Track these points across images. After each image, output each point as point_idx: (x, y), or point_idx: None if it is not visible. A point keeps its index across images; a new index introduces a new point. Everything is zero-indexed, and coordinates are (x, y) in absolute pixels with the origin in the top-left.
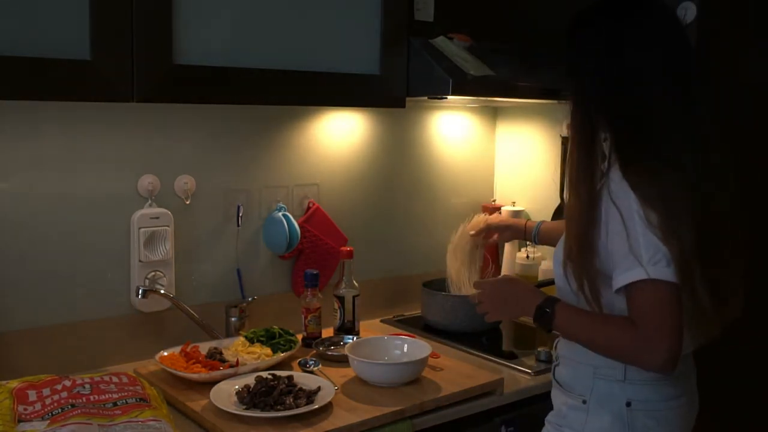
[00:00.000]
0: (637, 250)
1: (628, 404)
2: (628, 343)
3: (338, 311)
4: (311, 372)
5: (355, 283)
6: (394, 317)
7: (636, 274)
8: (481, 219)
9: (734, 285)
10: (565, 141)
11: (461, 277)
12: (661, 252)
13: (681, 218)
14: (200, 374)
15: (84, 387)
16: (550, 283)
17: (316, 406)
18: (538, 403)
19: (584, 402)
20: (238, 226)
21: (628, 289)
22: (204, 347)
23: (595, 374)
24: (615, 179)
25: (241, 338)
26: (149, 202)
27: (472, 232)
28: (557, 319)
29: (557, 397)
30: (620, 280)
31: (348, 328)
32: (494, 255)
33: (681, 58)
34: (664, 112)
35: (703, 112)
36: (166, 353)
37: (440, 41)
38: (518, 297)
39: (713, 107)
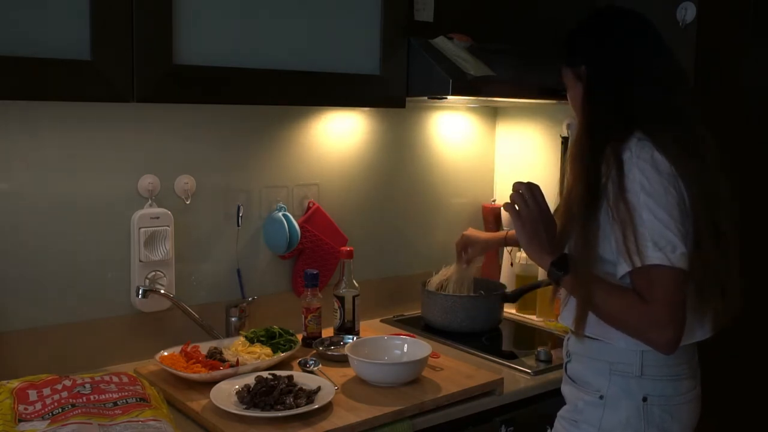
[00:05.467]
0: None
1: (645, 399)
2: (635, 321)
3: (338, 311)
4: (311, 372)
5: (355, 283)
6: (394, 317)
7: (654, 258)
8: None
9: (734, 276)
10: (565, 141)
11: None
12: (674, 239)
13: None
14: (200, 374)
15: (84, 387)
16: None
17: (316, 406)
18: (538, 403)
19: (601, 397)
20: (238, 226)
21: (648, 268)
22: (204, 347)
23: (612, 370)
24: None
25: (241, 338)
26: (149, 202)
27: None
28: (567, 280)
29: (571, 393)
30: (637, 260)
31: (348, 328)
32: (494, 256)
33: (675, 65)
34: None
35: (695, 114)
36: (166, 353)
37: (440, 41)
38: (542, 236)
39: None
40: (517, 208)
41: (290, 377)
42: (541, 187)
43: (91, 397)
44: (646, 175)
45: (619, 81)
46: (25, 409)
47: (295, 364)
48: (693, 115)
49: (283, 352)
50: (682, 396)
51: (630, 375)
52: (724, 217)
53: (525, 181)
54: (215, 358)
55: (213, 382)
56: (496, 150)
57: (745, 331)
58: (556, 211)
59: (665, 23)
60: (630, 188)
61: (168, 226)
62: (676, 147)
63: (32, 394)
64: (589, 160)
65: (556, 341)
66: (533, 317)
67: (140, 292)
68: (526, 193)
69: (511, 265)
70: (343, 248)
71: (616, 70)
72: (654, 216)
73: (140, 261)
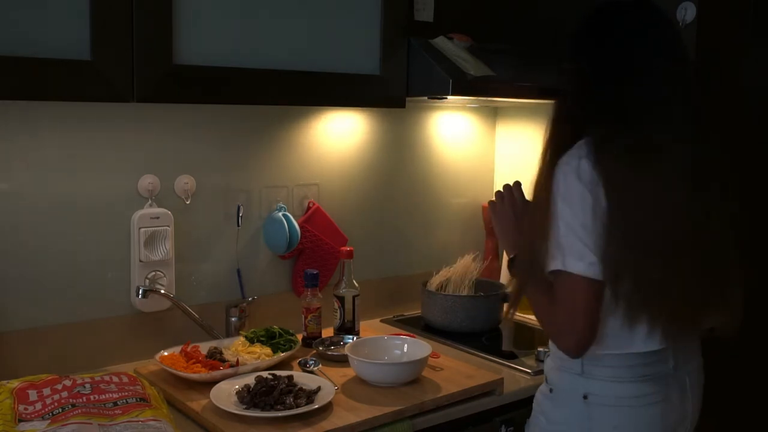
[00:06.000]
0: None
1: (585, 397)
2: (547, 322)
3: (338, 311)
4: (311, 372)
5: (355, 283)
6: (394, 317)
7: (557, 264)
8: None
9: (721, 290)
10: None
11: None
12: (582, 248)
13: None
14: (200, 374)
15: (84, 387)
16: None
17: (316, 406)
18: None
19: (551, 391)
20: (238, 226)
21: (554, 273)
22: (204, 347)
23: (560, 367)
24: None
25: (241, 338)
26: (149, 202)
27: None
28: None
29: (542, 384)
30: (548, 263)
31: (348, 328)
32: (494, 256)
33: (676, 57)
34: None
35: (697, 111)
36: (166, 353)
37: (440, 41)
38: (513, 232)
39: (707, 106)
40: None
41: (290, 377)
42: None
43: (91, 397)
44: (566, 181)
45: (592, 80)
46: (25, 409)
47: (295, 364)
48: (671, 116)
49: (283, 352)
50: (631, 399)
51: (573, 372)
52: (681, 229)
53: (525, 181)
54: (215, 358)
55: (213, 382)
56: (496, 150)
57: (745, 331)
58: None
59: None
60: (553, 192)
61: (168, 226)
62: (618, 153)
63: (32, 394)
64: (544, 159)
65: None
66: (533, 317)
67: (140, 292)
68: (505, 191)
69: None
70: (343, 248)
71: (594, 69)
72: (565, 223)
73: (140, 261)
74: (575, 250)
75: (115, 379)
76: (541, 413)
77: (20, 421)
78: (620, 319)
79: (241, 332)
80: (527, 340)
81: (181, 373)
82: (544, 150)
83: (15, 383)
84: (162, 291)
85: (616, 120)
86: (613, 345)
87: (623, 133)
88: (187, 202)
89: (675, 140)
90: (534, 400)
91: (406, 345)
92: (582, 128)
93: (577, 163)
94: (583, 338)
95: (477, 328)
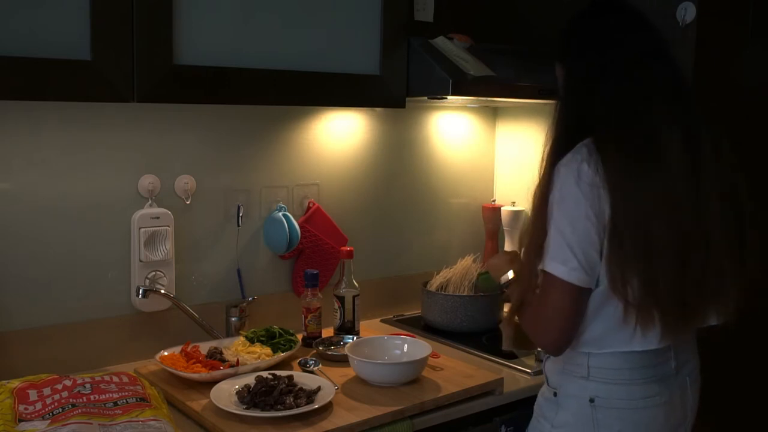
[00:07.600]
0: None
1: (592, 401)
2: (531, 321)
3: (338, 311)
4: (311, 372)
5: (355, 283)
6: (394, 317)
7: (543, 264)
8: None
9: (724, 283)
10: None
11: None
12: (568, 253)
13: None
14: (201, 374)
15: (84, 387)
16: None
17: (316, 406)
18: None
19: (555, 395)
20: (238, 226)
21: (544, 273)
22: (204, 347)
23: (564, 370)
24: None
25: (242, 338)
26: (149, 202)
27: None
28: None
29: (542, 388)
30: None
31: (348, 328)
32: (494, 252)
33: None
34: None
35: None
36: (166, 353)
37: (440, 41)
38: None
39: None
40: None
41: (290, 377)
42: None
43: (92, 397)
44: (565, 185)
45: (587, 81)
46: (26, 408)
47: (295, 364)
48: (671, 115)
49: (283, 352)
50: (636, 401)
51: (578, 375)
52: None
53: (524, 182)
54: (215, 358)
55: (213, 382)
56: (496, 150)
57: (744, 330)
58: None
59: (665, 23)
60: (552, 196)
61: (168, 226)
62: (620, 155)
63: (32, 394)
64: (544, 163)
65: None
66: None
67: (140, 292)
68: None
69: None
70: (343, 248)
71: (587, 70)
72: (558, 227)
73: (140, 261)
74: (560, 253)
75: (116, 379)
76: (543, 417)
77: (20, 420)
78: (631, 322)
79: (241, 332)
80: (527, 340)
81: (181, 373)
82: (544, 153)
83: (15, 383)
84: (162, 291)
85: (615, 121)
86: (617, 344)
87: (624, 134)
88: (187, 202)
89: (675, 139)
90: (536, 404)
91: (406, 345)
92: (583, 130)
93: (578, 167)
94: (560, 338)
95: (477, 328)
